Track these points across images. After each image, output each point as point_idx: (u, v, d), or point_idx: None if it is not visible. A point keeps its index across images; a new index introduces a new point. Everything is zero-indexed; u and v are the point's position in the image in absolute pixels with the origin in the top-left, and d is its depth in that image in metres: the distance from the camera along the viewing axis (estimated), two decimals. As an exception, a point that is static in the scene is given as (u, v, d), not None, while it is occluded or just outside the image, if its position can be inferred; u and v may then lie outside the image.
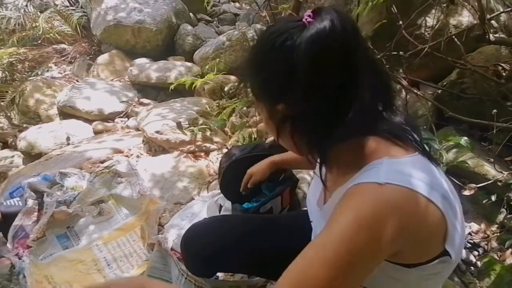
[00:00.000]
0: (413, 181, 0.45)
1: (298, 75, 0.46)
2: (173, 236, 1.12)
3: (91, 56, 2.56)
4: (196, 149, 1.72)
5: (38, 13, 2.46)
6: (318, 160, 0.52)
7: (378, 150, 0.50)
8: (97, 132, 2.04)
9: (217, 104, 2.18)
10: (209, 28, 3.04)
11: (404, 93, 1.73)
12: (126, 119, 2.14)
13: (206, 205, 1.19)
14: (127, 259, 1.18)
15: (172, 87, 1.74)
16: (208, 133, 1.80)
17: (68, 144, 1.92)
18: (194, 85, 1.70)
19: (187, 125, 1.76)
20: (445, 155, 1.25)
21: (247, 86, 0.55)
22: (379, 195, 0.45)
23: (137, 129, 1.99)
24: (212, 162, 1.70)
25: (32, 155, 1.85)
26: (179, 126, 1.72)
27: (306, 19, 0.47)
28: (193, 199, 1.42)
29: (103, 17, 2.51)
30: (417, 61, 1.55)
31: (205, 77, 1.69)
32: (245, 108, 1.91)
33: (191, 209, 1.21)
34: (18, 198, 1.22)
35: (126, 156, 1.72)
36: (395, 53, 1.48)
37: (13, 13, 2.31)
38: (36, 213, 1.16)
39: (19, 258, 1.06)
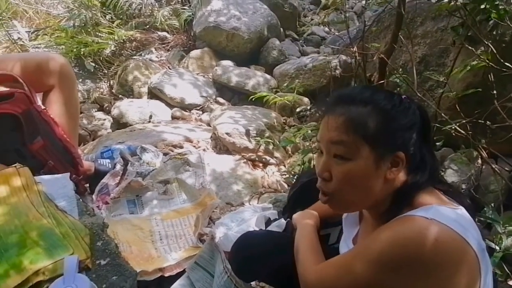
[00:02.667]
0: (456, 224, 0.54)
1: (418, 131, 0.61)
2: (220, 234, 1.24)
3: (185, 48, 2.85)
4: (256, 159, 1.84)
5: (156, 4, 2.82)
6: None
7: (431, 199, 0.59)
8: (174, 118, 2.28)
9: (284, 120, 2.29)
10: (294, 46, 3.17)
11: (480, 163, 1.66)
12: (201, 112, 2.36)
13: (256, 215, 1.30)
14: (176, 240, 1.34)
15: (253, 98, 1.88)
16: (270, 146, 1.92)
17: (149, 121, 2.18)
18: (273, 101, 1.82)
19: (254, 134, 1.89)
20: (504, 241, 1.19)
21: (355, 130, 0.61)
22: (423, 224, 0.53)
23: (208, 125, 2.18)
24: (268, 175, 1.81)
25: (120, 123, 2.14)
26: (247, 133, 1.86)
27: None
28: (243, 204, 1.54)
29: (206, 18, 2.78)
30: (503, 135, 1.49)
31: (285, 97, 1.80)
32: (309, 131, 1.99)
33: (242, 215, 1.32)
34: (108, 160, 1.45)
35: (194, 146, 1.91)
36: (482, 121, 1.44)
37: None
38: (119, 177, 1.37)
39: (99, 210, 1.27)
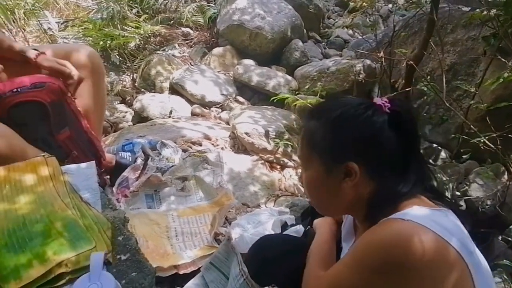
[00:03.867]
0: (433, 223, 0.54)
1: (379, 142, 0.61)
2: (236, 235, 1.23)
3: (208, 46, 2.86)
4: (274, 160, 1.83)
5: (182, 0, 2.85)
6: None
7: (413, 203, 0.59)
8: (193, 114, 2.29)
9: None
10: (316, 48, 3.14)
11: (507, 178, 1.60)
12: (220, 110, 2.36)
13: (273, 219, 1.28)
14: (191, 237, 1.34)
15: (274, 99, 1.87)
16: (289, 149, 1.90)
17: (170, 117, 2.20)
18: (294, 103, 1.80)
19: (273, 136, 1.88)
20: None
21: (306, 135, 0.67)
22: (398, 226, 0.55)
23: (227, 123, 2.18)
24: (285, 178, 1.80)
25: (141, 117, 2.16)
26: (266, 134, 1.84)
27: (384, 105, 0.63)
28: (260, 206, 1.53)
29: (230, 16, 2.78)
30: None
31: (307, 100, 1.78)
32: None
33: (258, 217, 1.32)
34: (129, 153, 1.47)
35: (213, 144, 1.91)
36: (512, 136, 1.39)
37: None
38: (139, 171, 1.39)
39: (118, 203, 1.29)
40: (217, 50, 2.78)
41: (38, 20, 2.59)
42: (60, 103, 1.15)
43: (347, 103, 0.65)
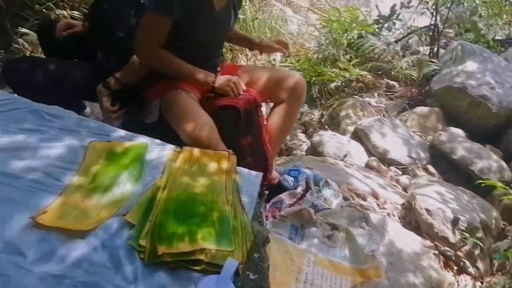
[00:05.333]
0: None
1: None
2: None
3: (411, 102, 2.63)
4: (453, 258, 1.40)
5: (400, 52, 2.77)
6: None
7: None
8: (368, 166, 2.11)
9: (503, 226, 1.67)
10: None
11: None
12: (400, 172, 2.07)
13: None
14: (319, 294, 1.18)
15: (481, 184, 1.46)
16: (476, 251, 1.42)
17: (342, 160, 2.12)
18: (502, 198, 1.34)
19: (463, 227, 1.45)
20: None
21: None
22: None
23: (405, 189, 1.88)
24: (458, 285, 1.34)
25: (315, 151, 2.19)
26: (454, 222, 1.45)
27: None
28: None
29: (451, 77, 2.46)
30: None
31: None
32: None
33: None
34: (293, 179, 1.49)
35: (379, 205, 1.68)
36: None
37: (381, 45, 2.72)
38: (295, 199, 1.37)
39: (266, 220, 1.30)
40: (421, 109, 2.50)
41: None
42: (251, 112, 1.29)
43: None
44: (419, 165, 2.08)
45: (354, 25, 2.88)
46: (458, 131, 2.26)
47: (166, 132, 1.19)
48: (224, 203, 0.86)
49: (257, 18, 3.17)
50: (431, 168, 2.08)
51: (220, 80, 1.26)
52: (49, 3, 2.53)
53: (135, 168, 0.92)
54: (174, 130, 1.20)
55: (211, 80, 1.25)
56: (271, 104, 1.51)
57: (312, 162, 1.94)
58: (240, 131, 1.27)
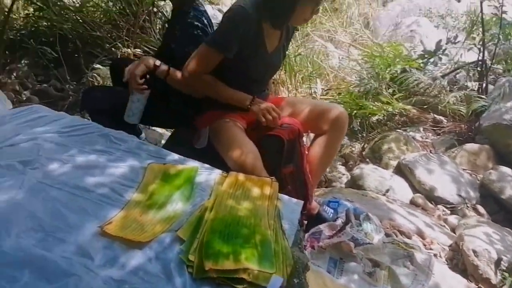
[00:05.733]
0: None
1: None
2: None
3: (460, 139, 2.52)
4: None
5: (447, 87, 2.71)
6: None
7: None
8: (413, 203, 2.03)
9: None
10: None
11: None
12: (448, 212, 1.96)
13: None
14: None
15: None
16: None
17: (384, 194, 2.06)
18: None
19: (504, 267, 1.33)
20: None
21: None
22: None
23: (453, 230, 1.77)
24: None
25: (355, 184, 2.16)
26: (497, 262, 1.34)
27: None
28: None
29: (501, 114, 2.34)
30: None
31: None
32: None
33: None
34: (332, 211, 1.48)
35: (425, 245, 1.60)
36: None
37: (426, 79, 2.69)
38: (335, 231, 1.36)
39: (304, 249, 1.30)
40: (471, 146, 2.38)
41: (309, 85, 3.24)
42: (294, 142, 1.34)
43: None
44: (468, 205, 1.96)
45: (397, 60, 2.89)
46: (508, 171, 2.11)
47: (214, 157, 1.29)
48: (266, 227, 0.90)
49: (299, 54, 3.31)
50: (480, 209, 1.95)
51: (257, 103, 1.31)
52: (116, 42, 2.91)
53: (186, 189, 1.01)
54: (221, 156, 1.29)
55: (248, 101, 1.31)
56: (311, 135, 1.56)
57: (353, 195, 1.92)
58: (283, 160, 1.32)
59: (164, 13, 3.44)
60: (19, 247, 0.70)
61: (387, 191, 2.09)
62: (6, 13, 2.52)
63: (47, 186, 0.89)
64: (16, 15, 2.96)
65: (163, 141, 2.12)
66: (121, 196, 0.93)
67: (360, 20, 4.69)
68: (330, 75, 3.50)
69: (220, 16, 4.10)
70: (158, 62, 1.34)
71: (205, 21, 1.45)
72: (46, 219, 0.79)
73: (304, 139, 1.47)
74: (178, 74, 1.34)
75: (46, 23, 2.83)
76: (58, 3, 2.86)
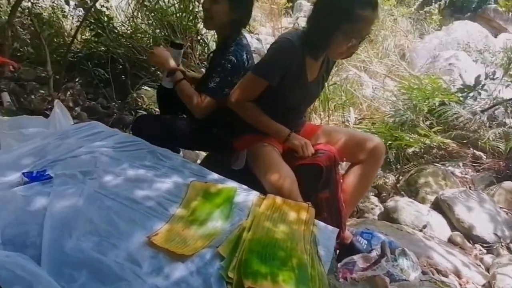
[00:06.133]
0: None
1: None
2: None
3: (499, 176, 2.40)
4: None
5: (487, 123, 2.62)
6: None
7: None
8: (451, 241, 1.93)
9: None
10: None
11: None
12: (485, 251, 1.85)
13: None
14: None
15: None
16: None
17: (421, 230, 1.98)
18: None
19: None
20: None
21: None
22: None
23: (487, 269, 1.67)
24: None
25: (389, 217, 2.09)
26: None
27: None
28: None
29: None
30: None
31: None
32: None
33: None
34: (366, 242, 1.45)
35: (461, 285, 1.51)
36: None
37: (466, 113, 2.62)
38: (369, 264, 1.33)
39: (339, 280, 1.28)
40: (509, 184, 2.27)
41: (342, 113, 3.25)
42: (330, 168, 1.36)
43: None
44: (503, 244, 1.84)
45: (436, 92, 2.85)
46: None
47: (251, 179, 1.33)
48: (303, 252, 0.91)
49: (334, 84, 3.35)
50: (517, 248, 1.82)
51: (294, 137, 1.37)
52: (160, 66, 3.13)
53: (226, 208, 1.05)
54: (258, 178, 1.33)
55: (285, 135, 1.37)
56: (345, 163, 1.56)
57: (387, 228, 1.86)
58: (320, 185, 1.34)
59: (205, 40, 3.67)
60: (79, 249, 0.77)
61: (424, 227, 2.00)
62: (71, 38, 2.81)
63: (102, 196, 0.97)
64: (76, 39, 3.29)
65: (198, 161, 2.20)
66: (166, 210, 0.99)
67: (396, 52, 4.69)
68: (364, 104, 3.49)
69: (256, 45, 4.29)
70: (175, 67, 1.46)
71: (245, 55, 1.46)
72: (102, 225, 0.86)
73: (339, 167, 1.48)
74: (189, 89, 1.44)
75: (103, 48, 3.12)
76: (115, 30, 3.16)
